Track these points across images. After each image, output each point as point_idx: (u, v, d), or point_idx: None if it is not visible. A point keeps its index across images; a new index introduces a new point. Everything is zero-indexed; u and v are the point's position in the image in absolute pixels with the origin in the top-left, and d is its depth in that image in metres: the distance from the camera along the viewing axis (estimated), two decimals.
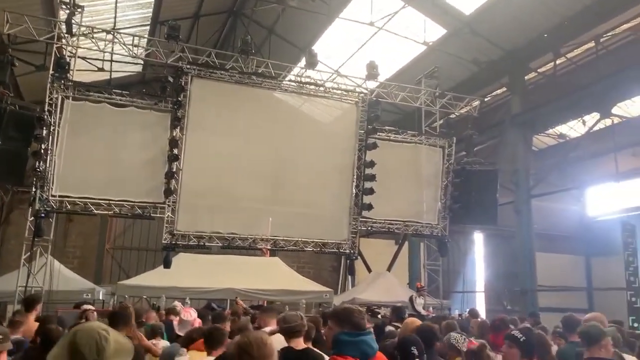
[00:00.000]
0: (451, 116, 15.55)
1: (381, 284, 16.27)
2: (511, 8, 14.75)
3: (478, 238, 23.85)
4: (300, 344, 4.01)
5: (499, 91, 19.31)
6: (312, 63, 13.33)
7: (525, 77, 17.66)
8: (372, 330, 3.46)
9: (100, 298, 14.15)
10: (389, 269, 19.10)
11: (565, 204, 23.44)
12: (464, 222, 16.05)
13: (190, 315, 5.41)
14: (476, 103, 15.72)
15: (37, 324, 5.65)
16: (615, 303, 17.12)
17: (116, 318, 4.88)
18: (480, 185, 14.62)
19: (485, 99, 18.66)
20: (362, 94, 14.02)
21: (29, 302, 6.48)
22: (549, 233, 21.00)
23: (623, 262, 16.73)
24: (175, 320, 6.11)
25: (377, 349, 3.29)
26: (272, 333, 3.97)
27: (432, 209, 14.61)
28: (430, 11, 16.06)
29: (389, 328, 4.97)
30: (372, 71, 13.43)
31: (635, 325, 15.03)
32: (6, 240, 19.58)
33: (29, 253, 11.77)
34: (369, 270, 20.02)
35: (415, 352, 3.88)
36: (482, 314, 14.95)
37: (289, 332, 3.97)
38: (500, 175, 15.39)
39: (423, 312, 11.40)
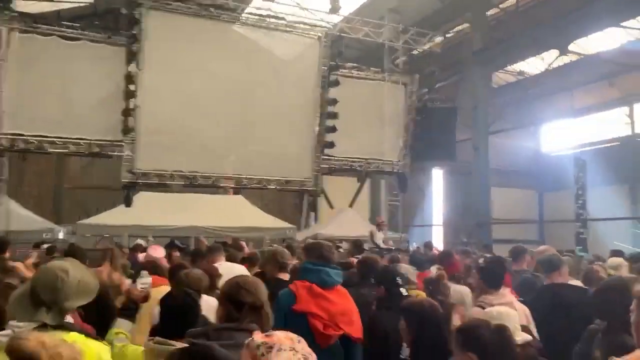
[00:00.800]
0: (414, 53, 15.49)
1: (343, 219, 16.60)
2: None
3: (437, 174, 24.43)
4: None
5: (461, 27, 19.22)
6: None
7: (488, 13, 17.59)
8: (338, 265, 3.65)
9: (61, 237, 13.99)
10: (350, 206, 19.43)
11: (521, 140, 24.11)
12: (424, 159, 16.38)
13: (158, 252, 5.43)
14: (439, 39, 15.66)
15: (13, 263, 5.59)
16: (564, 235, 18.09)
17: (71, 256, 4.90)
18: (441, 123, 14.85)
19: (448, 35, 18.59)
20: (325, 29, 13.73)
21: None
22: (505, 169, 21.68)
23: (573, 196, 17.54)
24: (142, 257, 6.14)
25: (339, 283, 3.47)
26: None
27: (394, 146, 14.79)
28: None
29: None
30: (334, 4, 13.12)
31: (582, 254, 15.99)
32: None
33: None
34: (332, 207, 20.34)
35: (400, 281, 4.07)
36: (441, 246, 15.59)
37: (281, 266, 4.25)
38: (459, 112, 15.61)
39: (383, 246, 11.77)
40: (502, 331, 2.48)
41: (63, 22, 11.62)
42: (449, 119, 14.98)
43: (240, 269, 4.84)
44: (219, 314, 2.22)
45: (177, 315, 2.35)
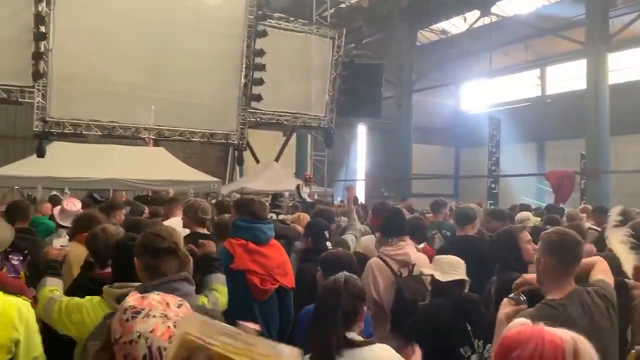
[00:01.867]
0: (342, 6, 15.39)
1: (269, 174, 16.60)
2: None
3: (361, 130, 24.86)
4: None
5: None
6: None
7: None
8: (271, 221, 3.68)
9: None
10: (276, 160, 19.43)
11: (442, 98, 24.97)
12: (350, 115, 16.58)
13: (74, 205, 5.16)
14: None
15: None
16: (478, 189, 19.21)
17: (14, 212, 4.62)
18: (367, 79, 15.01)
19: None
20: None
21: None
22: (425, 126, 22.45)
23: (487, 153, 18.56)
24: (56, 210, 5.83)
25: (272, 237, 3.52)
26: None
27: (320, 101, 14.83)
28: None
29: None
30: None
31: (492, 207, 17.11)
32: None
33: None
34: (257, 161, 20.24)
35: (327, 235, 4.15)
36: (362, 200, 16.07)
37: (199, 220, 4.03)
38: (384, 69, 15.82)
39: (309, 200, 11.96)
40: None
41: None
42: (375, 76, 15.17)
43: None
44: (137, 267, 2.18)
45: (127, 265, 2.30)
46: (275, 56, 13.43)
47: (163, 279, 2.04)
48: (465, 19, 19.64)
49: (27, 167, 12.60)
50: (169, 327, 1.22)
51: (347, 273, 2.35)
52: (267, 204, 4.50)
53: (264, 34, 13.18)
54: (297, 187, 12.50)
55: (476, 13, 17.52)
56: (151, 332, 1.20)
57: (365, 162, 24.88)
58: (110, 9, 11.59)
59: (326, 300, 2.26)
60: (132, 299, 1.28)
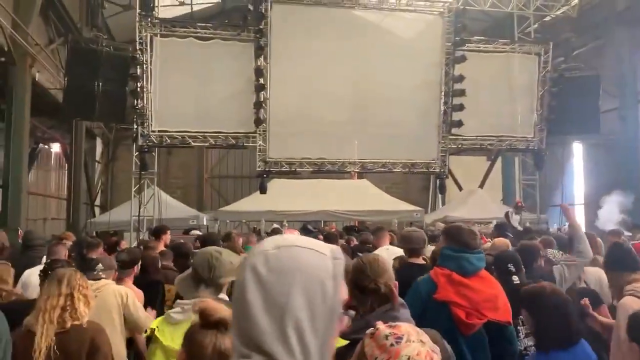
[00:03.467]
0: (546, 19, 14.35)
1: (474, 201, 16.04)
2: None
3: (577, 148, 22.52)
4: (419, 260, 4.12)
5: None
6: None
7: None
8: (482, 251, 3.51)
9: (205, 223, 15.20)
10: (481, 186, 18.71)
11: None
12: (562, 133, 15.15)
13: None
14: (575, 2, 14.33)
15: (165, 250, 6.18)
16: None
17: (207, 243, 5.30)
18: (581, 93, 13.60)
19: None
20: (447, 3, 13.22)
21: (157, 232, 7.15)
22: None
23: None
24: None
25: (482, 268, 3.34)
26: None
27: (528, 121, 13.89)
28: None
29: None
30: None
31: None
32: (115, 174, 21.33)
33: (137, 186, 12.81)
34: (460, 188, 19.73)
35: (512, 268, 3.86)
36: (583, 227, 14.40)
37: (412, 250, 4.04)
38: (602, 80, 14.20)
39: (520, 228, 11.17)
40: None
41: (197, 24, 12.46)
42: (591, 88, 13.66)
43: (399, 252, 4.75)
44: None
45: None
46: (475, 79, 13.04)
47: (384, 307, 2.11)
48: None
49: (253, 203, 14.27)
50: (427, 350, 1.36)
51: None
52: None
53: (462, 59, 12.94)
54: (506, 215, 11.79)
55: None
56: (417, 355, 1.34)
57: (584, 184, 22.39)
58: (317, 55, 12.63)
59: None
60: (384, 327, 1.43)
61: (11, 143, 10.91)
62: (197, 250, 2.94)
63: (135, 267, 4.53)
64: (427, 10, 13.37)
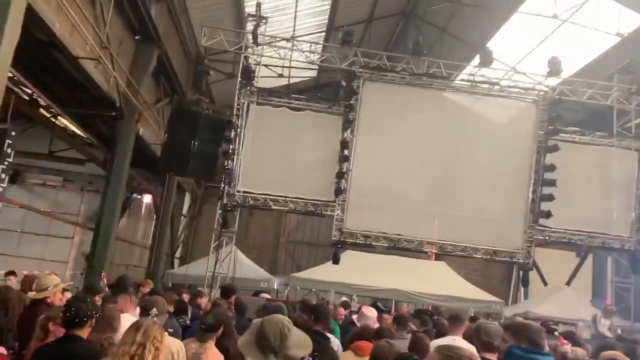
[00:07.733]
0: None
1: (559, 298, 14.95)
2: None
3: None
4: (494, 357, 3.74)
5: None
6: (486, 61, 12.75)
7: None
8: (551, 353, 3.23)
9: (275, 288, 15.25)
10: (568, 283, 17.48)
11: None
12: None
13: (373, 312, 5.50)
14: None
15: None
16: None
17: (318, 313, 5.10)
18: None
19: None
20: (542, 92, 13.02)
21: (225, 291, 7.28)
22: None
23: None
24: (355, 315, 6.30)
25: None
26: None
27: (624, 219, 12.97)
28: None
29: None
30: (554, 67, 12.38)
31: None
32: (199, 229, 22.17)
33: (216, 242, 13.20)
34: (545, 283, 18.54)
35: None
36: None
37: (487, 345, 3.55)
38: None
39: (608, 335, 10.20)
40: None
41: (292, 95, 13.11)
42: None
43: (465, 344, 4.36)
44: None
45: None
46: (568, 170, 12.51)
47: None
48: None
49: (324, 272, 14.19)
50: None
51: None
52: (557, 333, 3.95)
53: (555, 148, 12.51)
54: (594, 318, 10.86)
55: None
56: None
57: None
58: (404, 133, 12.75)
59: None
60: None
61: (109, 190, 11.68)
62: (257, 320, 2.91)
63: (219, 330, 4.48)
64: (521, 97, 13.22)
